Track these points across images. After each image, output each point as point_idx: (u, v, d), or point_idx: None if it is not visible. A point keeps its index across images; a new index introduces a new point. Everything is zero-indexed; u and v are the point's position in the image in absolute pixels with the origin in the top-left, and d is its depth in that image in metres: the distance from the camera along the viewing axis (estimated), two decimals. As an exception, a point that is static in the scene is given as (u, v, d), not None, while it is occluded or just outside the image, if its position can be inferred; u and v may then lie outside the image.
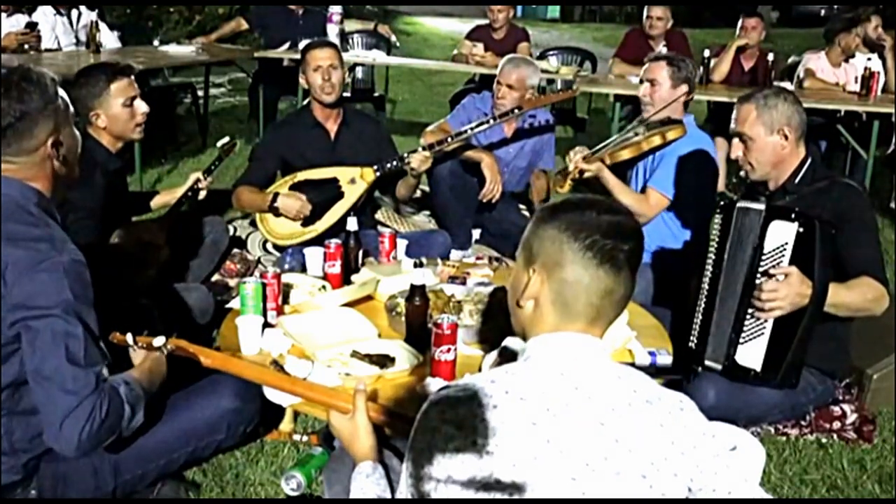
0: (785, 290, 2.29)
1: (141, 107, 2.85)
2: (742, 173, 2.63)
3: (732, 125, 2.57)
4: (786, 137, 2.49)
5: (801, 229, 2.30)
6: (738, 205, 2.47)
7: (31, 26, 5.27)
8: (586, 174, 3.21)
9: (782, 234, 2.35)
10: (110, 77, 2.80)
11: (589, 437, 1.18)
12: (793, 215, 2.32)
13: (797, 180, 2.52)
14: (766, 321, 2.37)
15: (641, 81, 3.37)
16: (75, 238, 1.78)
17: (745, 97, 2.56)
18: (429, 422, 1.20)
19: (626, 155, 3.24)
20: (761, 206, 2.42)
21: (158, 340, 1.90)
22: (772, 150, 2.50)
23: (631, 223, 1.31)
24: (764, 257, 2.38)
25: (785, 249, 2.34)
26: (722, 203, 2.57)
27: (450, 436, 1.17)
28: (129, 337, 1.93)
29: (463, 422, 1.17)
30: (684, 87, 3.29)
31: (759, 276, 2.37)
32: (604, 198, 1.45)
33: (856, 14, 5.69)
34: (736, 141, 2.56)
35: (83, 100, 2.76)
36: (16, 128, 1.71)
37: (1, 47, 4.95)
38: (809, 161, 2.53)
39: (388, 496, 1.44)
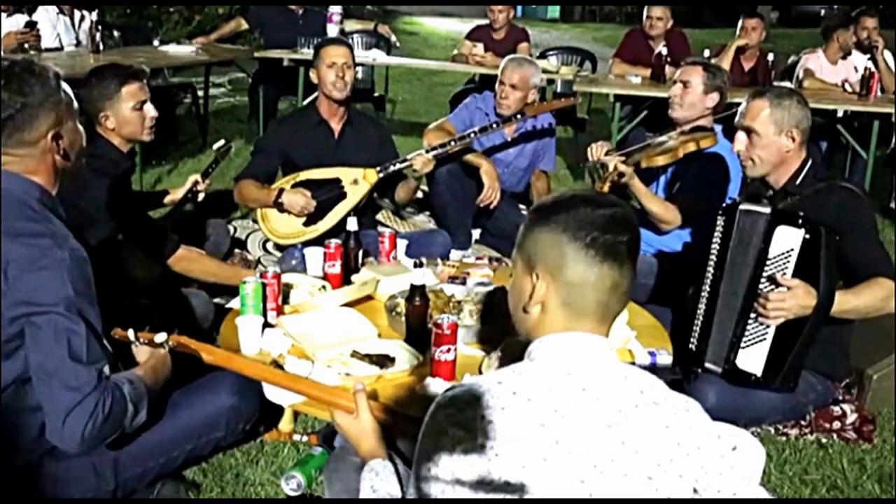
0: (792, 301, 2.29)
1: (150, 111, 2.85)
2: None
3: (740, 119, 2.55)
4: (793, 140, 2.48)
5: (807, 236, 2.29)
6: (741, 207, 2.46)
7: (31, 25, 5.26)
8: (624, 179, 3.12)
9: (788, 239, 2.34)
10: (122, 80, 2.79)
11: (597, 439, 1.18)
12: (799, 221, 2.31)
13: (798, 182, 2.51)
14: (768, 327, 2.37)
15: (674, 83, 3.36)
16: (85, 238, 1.77)
17: (758, 92, 2.55)
18: (436, 424, 1.19)
19: (661, 161, 3.20)
20: (766, 210, 2.41)
21: (160, 337, 1.90)
22: (777, 150, 2.49)
23: (624, 214, 1.28)
24: (768, 263, 2.37)
25: (790, 256, 2.33)
26: (724, 205, 2.57)
27: (458, 438, 1.16)
28: (130, 333, 1.93)
29: (471, 424, 1.16)
30: (715, 96, 3.28)
31: (763, 281, 2.37)
32: (593, 191, 1.44)
33: (851, 10, 5.69)
34: (742, 135, 2.53)
35: (93, 100, 2.76)
36: (16, 119, 1.71)
37: (1, 47, 4.95)
38: (810, 163, 2.53)
39: (399, 493, 1.43)
